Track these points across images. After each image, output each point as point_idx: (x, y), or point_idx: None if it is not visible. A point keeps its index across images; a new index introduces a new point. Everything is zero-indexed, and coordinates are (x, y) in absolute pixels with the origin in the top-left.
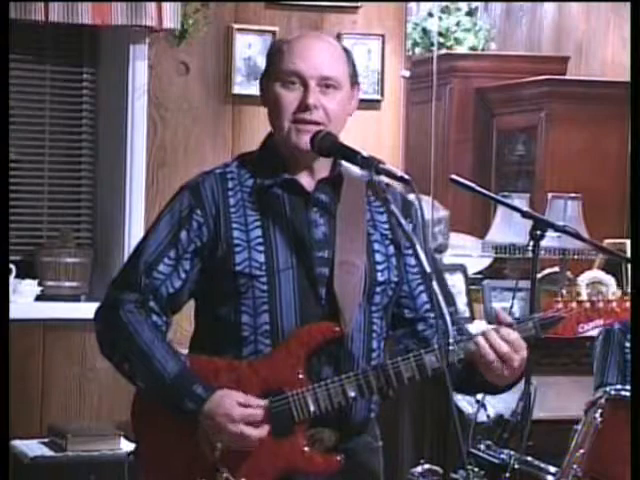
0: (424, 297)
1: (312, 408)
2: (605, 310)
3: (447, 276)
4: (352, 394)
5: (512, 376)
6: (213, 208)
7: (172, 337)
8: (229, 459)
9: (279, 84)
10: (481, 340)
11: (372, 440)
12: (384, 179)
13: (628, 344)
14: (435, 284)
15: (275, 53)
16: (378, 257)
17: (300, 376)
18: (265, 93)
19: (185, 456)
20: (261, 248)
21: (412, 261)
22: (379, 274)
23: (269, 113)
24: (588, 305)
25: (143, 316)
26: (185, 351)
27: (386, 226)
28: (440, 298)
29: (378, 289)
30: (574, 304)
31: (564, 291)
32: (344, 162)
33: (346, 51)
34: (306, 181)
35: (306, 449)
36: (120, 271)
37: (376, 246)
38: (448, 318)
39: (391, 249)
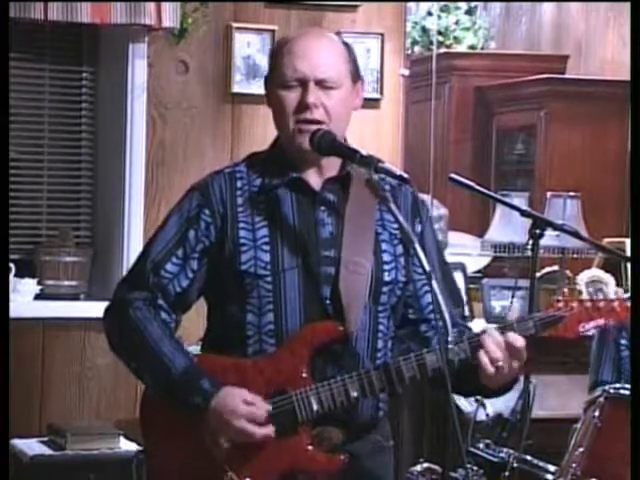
0: (428, 298)
1: (315, 408)
2: (606, 309)
3: None
4: (354, 394)
5: (508, 378)
6: (221, 207)
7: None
8: (234, 458)
9: (281, 86)
10: (487, 339)
11: (382, 439)
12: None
13: (623, 341)
14: (434, 283)
15: (276, 55)
16: (386, 257)
17: (304, 375)
18: (269, 96)
19: (191, 456)
20: (267, 247)
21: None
22: (386, 274)
23: (273, 115)
24: (589, 304)
25: (152, 313)
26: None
27: (395, 225)
28: (440, 298)
29: (385, 289)
30: (575, 303)
31: (565, 290)
32: None
33: (347, 47)
34: (314, 180)
35: (310, 448)
36: (128, 271)
37: (384, 246)
38: (447, 316)
39: (399, 249)
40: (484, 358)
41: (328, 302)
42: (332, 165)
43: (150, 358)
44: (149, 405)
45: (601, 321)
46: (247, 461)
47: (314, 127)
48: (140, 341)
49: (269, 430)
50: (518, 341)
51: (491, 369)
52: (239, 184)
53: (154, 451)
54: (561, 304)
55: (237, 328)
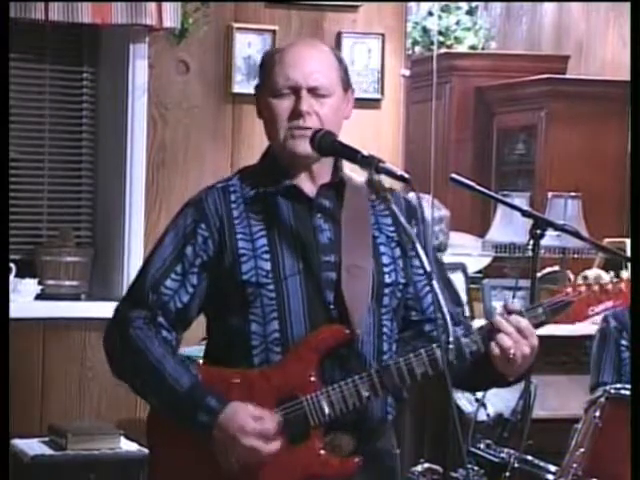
0: (430, 298)
1: (327, 411)
2: (614, 291)
3: None
4: (366, 394)
5: (523, 365)
6: (217, 221)
7: None
8: (246, 468)
9: (272, 95)
10: (496, 323)
11: (389, 447)
12: (386, 184)
13: (624, 342)
14: (435, 283)
15: (267, 64)
16: (385, 259)
17: (312, 379)
18: (260, 105)
19: (201, 470)
20: (267, 256)
21: (417, 262)
22: (386, 276)
23: (265, 124)
24: (597, 288)
25: (153, 332)
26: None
27: (391, 228)
28: (440, 298)
29: (386, 291)
30: (583, 288)
31: (571, 277)
32: (345, 167)
33: (337, 56)
34: (308, 187)
35: (322, 452)
36: (127, 290)
37: (382, 249)
38: (448, 317)
39: (397, 251)
40: (503, 339)
41: (332, 307)
42: (324, 171)
43: (153, 378)
44: (156, 421)
45: (610, 303)
46: (260, 469)
47: (307, 134)
48: (142, 360)
49: (277, 445)
50: (522, 322)
51: (509, 352)
52: (233, 197)
53: (160, 462)
54: (569, 289)
55: (242, 339)
